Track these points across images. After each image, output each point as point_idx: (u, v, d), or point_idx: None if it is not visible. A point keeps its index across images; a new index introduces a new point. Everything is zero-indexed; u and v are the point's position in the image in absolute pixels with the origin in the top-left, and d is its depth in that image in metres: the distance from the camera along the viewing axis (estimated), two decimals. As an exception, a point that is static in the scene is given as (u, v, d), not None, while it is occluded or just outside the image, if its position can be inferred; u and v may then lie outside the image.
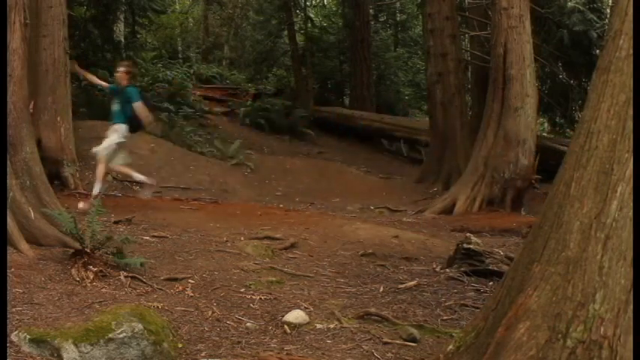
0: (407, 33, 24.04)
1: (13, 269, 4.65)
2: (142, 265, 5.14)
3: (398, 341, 4.06)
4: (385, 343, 4.02)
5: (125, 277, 4.88)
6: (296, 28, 20.72)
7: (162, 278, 5.08)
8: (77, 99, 12.16)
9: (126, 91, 8.07)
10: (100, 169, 7.94)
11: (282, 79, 21.95)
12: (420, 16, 20.46)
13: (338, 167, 14.29)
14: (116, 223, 6.88)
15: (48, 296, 4.31)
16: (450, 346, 3.32)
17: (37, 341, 3.45)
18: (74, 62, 9.14)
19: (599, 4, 15.64)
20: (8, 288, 4.14)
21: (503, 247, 6.69)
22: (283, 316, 4.38)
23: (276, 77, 22.17)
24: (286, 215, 8.53)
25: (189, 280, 5.10)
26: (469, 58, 16.09)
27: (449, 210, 10.10)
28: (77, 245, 5.15)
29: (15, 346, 3.43)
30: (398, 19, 24.15)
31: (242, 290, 4.99)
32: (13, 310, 3.91)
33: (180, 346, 3.86)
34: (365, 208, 10.54)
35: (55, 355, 3.40)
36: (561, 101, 16.29)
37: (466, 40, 16.56)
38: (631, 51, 2.91)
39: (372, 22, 21.99)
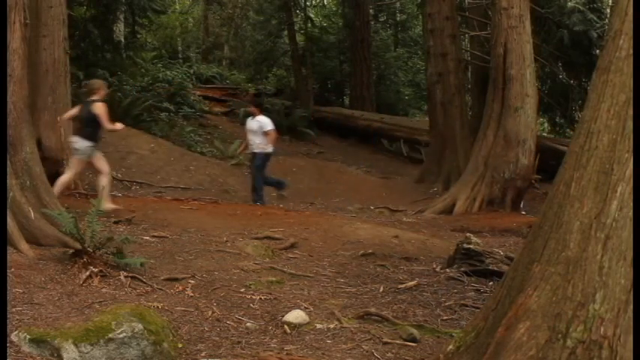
0: (407, 33, 24.05)
1: (13, 269, 4.65)
2: (142, 265, 5.14)
3: (398, 341, 4.06)
4: (385, 343, 4.02)
5: (125, 277, 4.88)
6: (296, 28, 20.72)
7: (162, 278, 5.08)
8: (77, 99, 12.15)
9: None
10: None
11: (282, 79, 21.96)
12: (420, 16, 20.47)
13: (338, 167, 14.29)
14: (116, 223, 6.88)
15: (48, 296, 4.31)
16: (450, 346, 3.31)
17: (37, 341, 3.45)
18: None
19: (599, 4, 15.64)
20: (8, 288, 4.14)
21: (503, 247, 6.69)
22: (283, 316, 4.38)
23: (276, 77, 22.17)
24: (286, 215, 8.53)
25: (189, 280, 5.10)
26: (469, 58, 16.09)
27: (449, 210, 10.10)
28: (77, 245, 5.15)
29: (15, 346, 3.43)
30: (398, 19, 24.15)
31: (242, 290, 4.99)
32: (13, 310, 3.91)
33: (180, 346, 3.86)
34: (365, 208, 10.54)
35: (55, 355, 3.40)
36: (561, 101, 16.29)
37: (466, 40, 16.56)
38: (631, 51, 2.91)
39: (372, 22, 21.98)
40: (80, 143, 7.57)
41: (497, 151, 10.26)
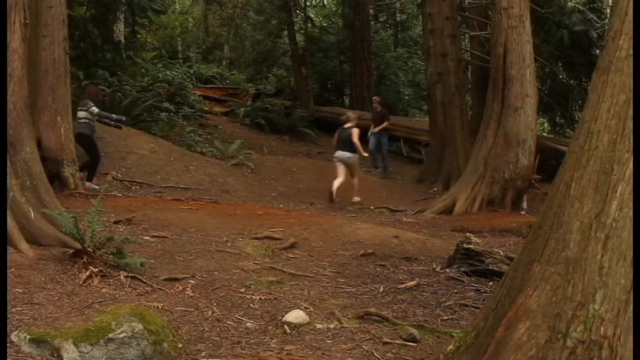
0: (407, 33, 24.06)
1: (13, 269, 4.65)
2: (142, 265, 5.13)
3: (398, 341, 4.06)
4: (385, 343, 4.02)
5: (125, 277, 4.88)
6: (296, 28, 20.73)
7: (162, 278, 5.08)
8: (77, 99, 12.16)
9: None
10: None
11: (282, 79, 21.97)
12: (420, 16, 20.47)
13: (338, 167, 14.26)
14: (116, 223, 6.88)
15: (48, 296, 4.31)
16: (450, 346, 3.32)
17: (37, 341, 3.44)
18: None
19: (599, 4, 15.65)
20: (8, 288, 4.14)
21: (503, 247, 6.69)
22: (283, 316, 4.38)
23: (276, 77, 22.18)
24: (286, 215, 8.53)
25: (189, 280, 5.10)
26: (469, 58, 16.10)
27: (449, 210, 10.11)
28: (77, 245, 5.15)
29: (15, 346, 3.43)
30: (398, 19, 24.17)
31: (242, 290, 4.99)
32: (13, 310, 3.91)
33: (180, 346, 3.86)
34: (365, 208, 10.55)
35: (55, 355, 3.39)
36: (561, 101, 16.32)
37: (466, 40, 16.56)
38: (631, 51, 2.91)
39: (372, 22, 22.00)
40: (349, 157, 10.91)
41: (497, 151, 10.26)
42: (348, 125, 11.01)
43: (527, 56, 10.25)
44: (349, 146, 10.85)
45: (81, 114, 10.02)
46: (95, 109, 10.11)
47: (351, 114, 11.47)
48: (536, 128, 11.30)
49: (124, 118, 11.20)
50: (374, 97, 15.99)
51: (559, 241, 2.89)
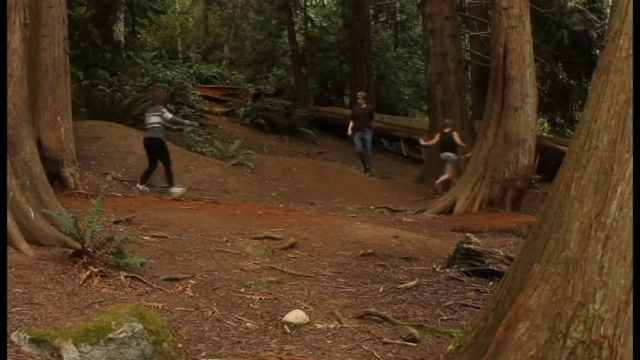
0: (407, 33, 24.07)
1: (13, 269, 4.65)
2: (142, 265, 5.14)
3: (398, 341, 4.06)
4: (385, 343, 4.02)
5: (125, 277, 4.88)
6: (296, 28, 20.73)
7: (162, 278, 5.08)
8: (77, 99, 12.16)
9: None
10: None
11: (282, 79, 21.97)
12: (420, 16, 20.46)
13: (338, 167, 14.29)
14: (116, 223, 6.88)
15: (48, 296, 4.31)
16: (450, 346, 3.32)
17: (37, 341, 3.45)
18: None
19: (599, 4, 15.67)
20: (8, 288, 4.14)
21: (503, 247, 6.69)
22: (283, 316, 4.38)
23: (276, 77, 22.19)
24: (286, 215, 8.52)
25: (189, 280, 5.10)
26: (469, 58, 16.10)
27: (449, 210, 10.10)
28: (77, 245, 5.15)
29: (15, 346, 3.43)
30: (398, 19, 24.18)
31: (242, 290, 4.99)
32: (13, 310, 3.91)
33: (180, 346, 3.86)
34: (365, 208, 10.54)
35: (55, 355, 3.39)
36: (561, 101, 16.33)
37: (466, 40, 16.57)
38: (631, 51, 2.91)
39: (372, 22, 22.00)
40: (452, 156, 12.22)
41: (497, 151, 10.26)
42: (448, 130, 12.38)
43: (527, 56, 10.24)
44: (452, 147, 12.27)
45: (154, 119, 10.21)
46: (169, 115, 10.33)
47: (449, 120, 12.73)
48: (536, 128, 11.30)
49: (196, 124, 11.76)
50: (359, 93, 15.67)
51: (559, 241, 2.89)
